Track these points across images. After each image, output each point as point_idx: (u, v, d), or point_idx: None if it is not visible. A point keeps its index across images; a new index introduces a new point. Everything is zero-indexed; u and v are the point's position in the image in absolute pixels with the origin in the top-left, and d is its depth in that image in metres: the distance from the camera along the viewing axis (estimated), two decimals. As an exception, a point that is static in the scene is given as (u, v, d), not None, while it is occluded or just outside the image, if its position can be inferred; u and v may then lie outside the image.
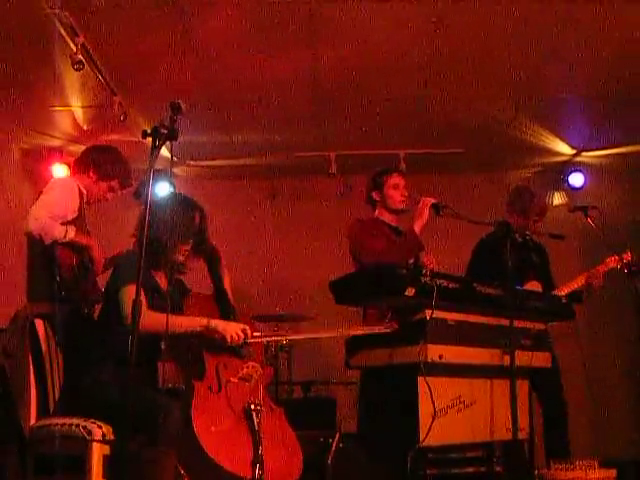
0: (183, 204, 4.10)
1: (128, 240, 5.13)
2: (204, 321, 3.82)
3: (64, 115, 6.68)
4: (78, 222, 4.93)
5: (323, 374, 7.20)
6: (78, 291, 4.83)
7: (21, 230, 4.82)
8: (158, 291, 3.96)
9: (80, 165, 5.15)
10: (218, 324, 3.83)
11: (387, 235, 5.14)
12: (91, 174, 5.08)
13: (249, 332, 3.86)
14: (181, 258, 4.07)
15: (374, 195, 5.32)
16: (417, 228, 5.01)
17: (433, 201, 5.00)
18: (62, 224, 4.77)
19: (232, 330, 3.82)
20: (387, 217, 5.29)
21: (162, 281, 4.07)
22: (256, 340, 3.97)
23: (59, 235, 4.72)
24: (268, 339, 3.92)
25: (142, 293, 3.13)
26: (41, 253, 4.76)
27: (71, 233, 4.78)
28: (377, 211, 5.33)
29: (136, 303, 3.06)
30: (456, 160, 7.84)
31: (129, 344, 3.01)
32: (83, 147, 5.83)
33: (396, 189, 5.24)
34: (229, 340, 3.78)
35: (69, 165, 6.87)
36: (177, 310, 3.85)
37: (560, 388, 5.57)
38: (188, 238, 4.04)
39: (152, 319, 3.62)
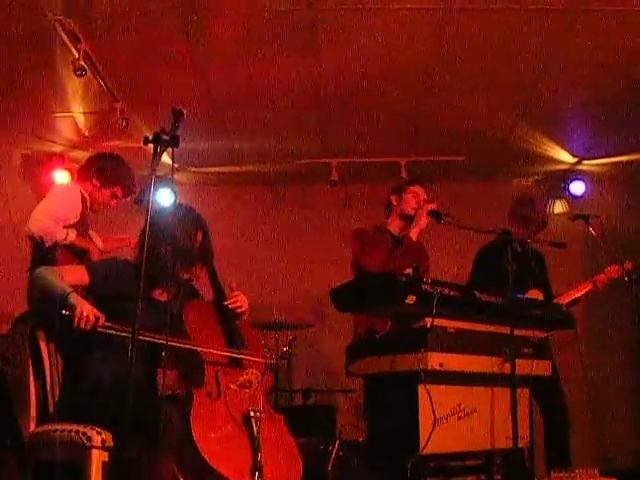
0: (184, 223, 4.03)
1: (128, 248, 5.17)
2: (68, 290, 3.69)
3: (66, 121, 6.68)
4: (80, 227, 4.95)
5: (323, 381, 7.20)
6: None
7: (22, 235, 4.84)
8: (152, 303, 3.93)
9: (84, 172, 5.19)
10: (74, 299, 3.65)
11: (387, 245, 5.15)
12: (94, 181, 5.11)
13: (101, 321, 3.63)
14: (186, 276, 4.07)
15: (392, 199, 5.36)
16: (413, 235, 5.06)
17: (430, 208, 5.03)
18: (64, 227, 4.80)
19: (84, 310, 3.61)
20: (395, 224, 5.30)
21: (159, 293, 4.05)
22: (109, 331, 3.76)
23: (60, 237, 4.75)
24: (119, 333, 3.70)
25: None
26: (42, 258, 4.77)
27: (72, 236, 4.81)
28: (390, 218, 5.34)
29: (135, 317, 3.07)
30: (457, 168, 7.85)
31: (129, 350, 3.02)
32: (85, 153, 5.87)
33: (414, 197, 5.26)
34: (76, 320, 3.58)
35: (70, 171, 6.91)
36: (175, 322, 3.83)
37: (561, 396, 5.57)
38: (190, 263, 4.03)
39: (49, 272, 3.81)
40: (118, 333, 3.65)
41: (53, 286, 3.74)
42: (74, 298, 3.66)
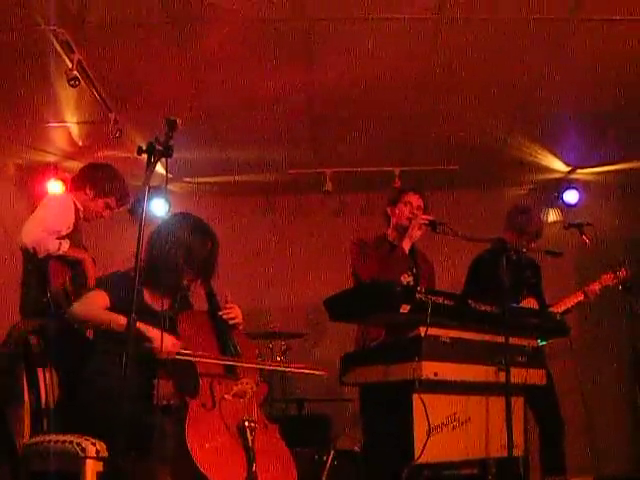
0: (197, 229, 4.07)
1: (124, 258, 5.14)
2: (137, 324, 3.61)
3: (59, 131, 6.68)
4: (73, 238, 4.93)
5: (317, 391, 7.18)
6: (70, 305, 4.82)
7: (16, 246, 4.82)
8: (148, 311, 3.92)
9: (77, 182, 5.18)
10: (148, 331, 3.72)
11: (383, 255, 5.15)
12: (87, 191, 5.10)
13: (178, 348, 3.76)
14: (186, 282, 4.06)
15: (388, 210, 5.38)
16: (405, 246, 5.07)
17: (423, 221, 5.03)
18: (57, 239, 4.78)
19: (164, 340, 3.68)
20: (393, 234, 5.31)
21: (155, 301, 4.04)
22: (185, 358, 3.86)
23: (53, 248, 4.73)
24: (199, 359, 3.80)
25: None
26: (35, 269, 4.76)
27: (65, 246, 4.79)
28: (389, 229, 5.36)
29: (130, 323, 3.07)
30: (451, 177, 7.85)
31: (123, 359, 3.01)
32: (78, 163, 5.85)
33: (406, 206, 5.26)
34: (156, 351, 3.68)
35: (64, 181, 6.89)
36: (169, 331, 3.82)
37: (556, 405, 5.57)
38: (197, 263, 4.02)
39: (84, 308, 3.81)
40: (192, 359, 3.80)
41: (116, 321, 3.75)
42: (145, 329, 3.72)
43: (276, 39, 5.18)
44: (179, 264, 3.93)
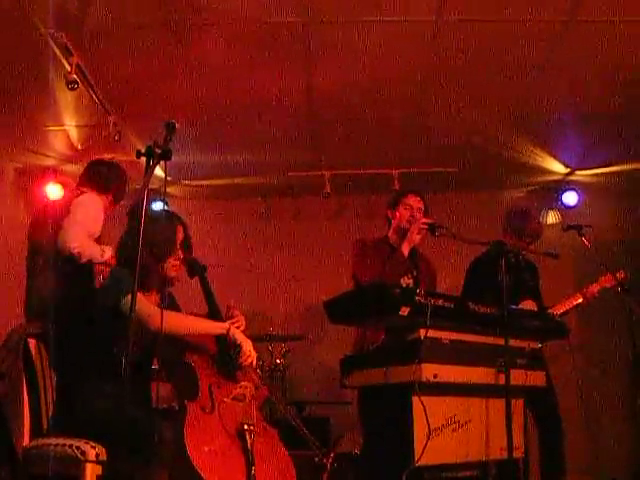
0: (163, 218, 4.10)
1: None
2: (226, 325, 3.87)
3: (58, 134, 6.68)
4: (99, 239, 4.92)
5: (317, 394, 7.18)
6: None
7: (15, 248, 4.82)
8: None
9: (91, 180, 5.13)
10: (237, 333, 3.86)
11: (383, 257, 5.15)
12: (98, 189, 5.07)
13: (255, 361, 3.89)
14: (172, 273, 4.04)
15: (389, 213, 5.38)
16: (405, 249, 5.07)
17: (424, 225, 5.02)
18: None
19: (249, 345, 3.85)
20: (394, 237, 5.31)
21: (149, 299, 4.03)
22: (254, 375, 3.98)
23: (97, 255, 4.70)
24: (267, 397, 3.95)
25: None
26: (83, 276, 4.71)
27: (108, 253, 4.75)
28: (390, 231, 5.35)
29: (131, 314, 3.06)
30: (450, 179, 7.86)
31: (123, 361, 3.01)
32: (77, 167, 5.84)
33: (407, 209, 5.26)
34: (242, 357, 3.81)
35: (63, 184, 6.88)
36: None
37: (555, 407, 5.57)
38: (175, 250, 4.01)
39: (172, 318, 3.70)
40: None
41: (205, 325, 3.91)
42: (234, 331, 3.88)
43: (275, 41, 5.18)
44: (159, 257, 3.92)
